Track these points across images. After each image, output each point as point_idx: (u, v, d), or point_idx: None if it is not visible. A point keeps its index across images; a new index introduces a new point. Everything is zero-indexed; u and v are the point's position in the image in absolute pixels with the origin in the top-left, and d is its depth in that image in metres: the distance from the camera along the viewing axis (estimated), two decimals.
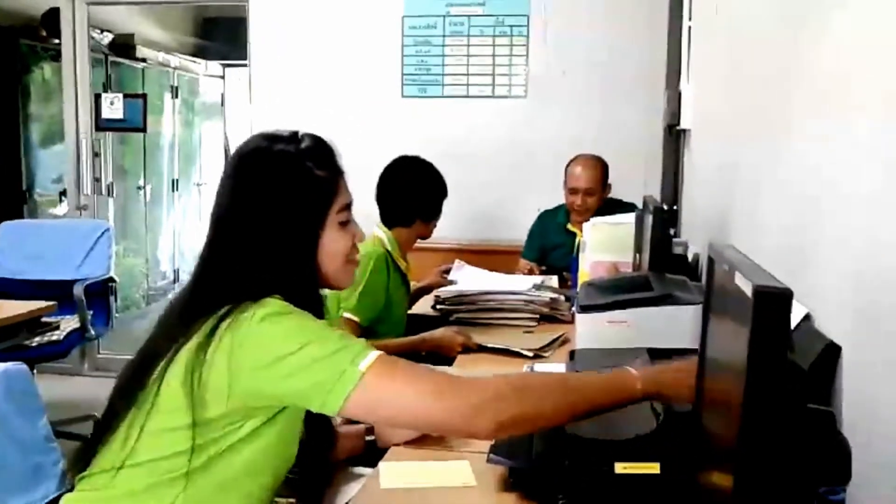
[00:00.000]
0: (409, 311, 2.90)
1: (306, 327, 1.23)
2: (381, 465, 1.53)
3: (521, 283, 2.88)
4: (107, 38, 5.87)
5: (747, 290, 0.76)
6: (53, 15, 4.99)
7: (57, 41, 4.99)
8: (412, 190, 2.74)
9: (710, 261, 1.09)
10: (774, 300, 0.72)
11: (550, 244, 3.67)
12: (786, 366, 0.74)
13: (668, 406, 1.29)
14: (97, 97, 4.90)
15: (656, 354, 1.62)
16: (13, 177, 5.27)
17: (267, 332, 1.21)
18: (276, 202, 1.30)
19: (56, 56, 5.11)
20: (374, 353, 1.20)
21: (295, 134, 1.39)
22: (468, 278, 3.03)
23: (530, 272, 3.39)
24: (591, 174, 3.51)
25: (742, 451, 0.75)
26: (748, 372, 0.73)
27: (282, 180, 1.32)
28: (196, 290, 1.33)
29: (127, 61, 6.13)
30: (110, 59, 5.91)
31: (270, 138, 1.37)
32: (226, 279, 1.29)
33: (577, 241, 3.47)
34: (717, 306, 1.05)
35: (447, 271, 3.10)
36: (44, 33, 5.38)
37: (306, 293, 1.32)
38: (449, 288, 2.88)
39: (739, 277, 0.80)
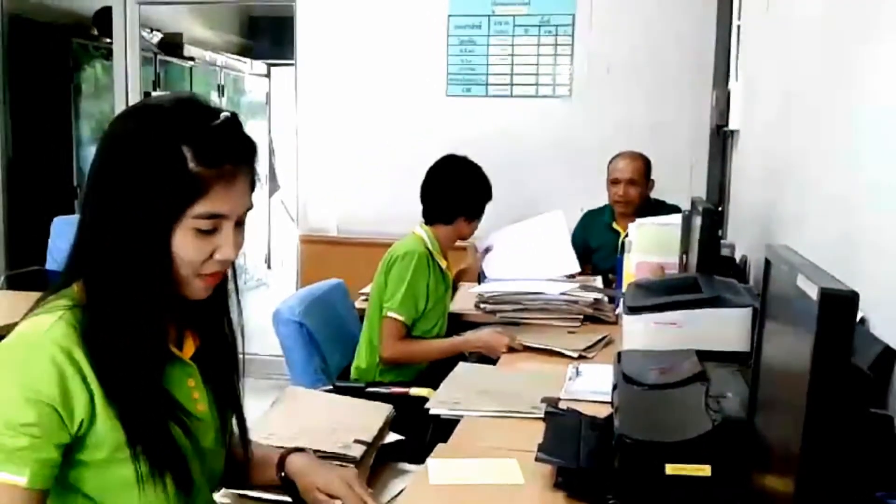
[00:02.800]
0: (451, 311, 2.91)
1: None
2: (430, 461, 1.54)
3: (564, 286, 2.88)
4: (156, 37, 5.98)
5: (812, 292, 0.75)
6: (105, 14, 5.10)
7: (108, 40, 5.09)
8: (457, 188, 2.75)
9: (767, 263, 1.08)
10: (841, 303, 0.72)
11: (594, 244, 3.66)
12: (850, 369, 0.73)
13: (721, 409, 1.28)
14: (146, 95, 4.99)
15: (705, 357, 1.61)
16: (65, 173, 5.39)
17: None
18: (128, 179, 1.08)
19: (107, 55, 5.22)
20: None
21: (191, 103, 1.13)
22: (503, 243, 3.05)
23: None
24: (633, 165, 3.55)
25: (805, 455, 0.75)
26: (812, 375, 0.73)
27: (143, 157, 1.08)
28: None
29: (175, 60, 6.23)
30: (159, 57, 6.01)
31: (161, 107, 1.13)
32: (73, 250, 1.16)
33: (620, 239, 3.47)
34: (774, 309, 1.05)
35: (487, 250, 3.10)
36: (95, 32, 5.50)
37: (148, 291, 1.11)
38: (492, 287, 2.88)
39: (803, 280, 0.80)
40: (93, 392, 1.09)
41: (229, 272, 1.24)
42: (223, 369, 1.29)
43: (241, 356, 1.33)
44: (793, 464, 0.80)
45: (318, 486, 1.34)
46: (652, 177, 3.60)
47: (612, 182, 3.58)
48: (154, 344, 1.15)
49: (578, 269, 3.20)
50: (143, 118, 1.12)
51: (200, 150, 1.08)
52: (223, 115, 1.13)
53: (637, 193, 3.54)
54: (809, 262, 0.89)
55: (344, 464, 1.66)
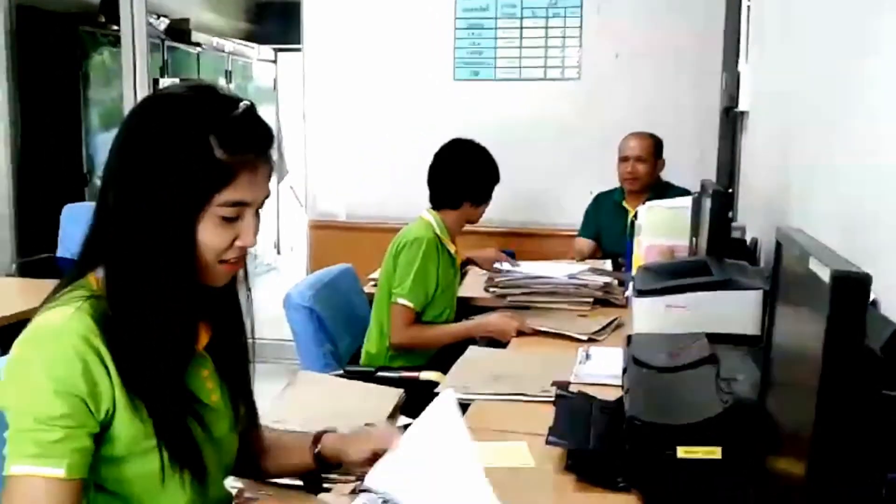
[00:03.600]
0: (460, 295, 2.91)
1: (21, 382, 1.07)
2: None
3: (574, 268, 2.87)
4: (163, 23, 5.97)
5: (824, 275, 0.75)
6: (112, 1, 5.09)
7: (115, 27, 5.09)
8: (463, 172, 2.73)
9: (778, 245, 1.08)
10: (853, 285, 0.71)
11: (604, 224, 3.66)
12: (863, 351, 0.73)
13: (732, 391, 1.28)
14: (155, 82, 4.98)
15: (715, 339, 1.61)
16: (74, 160, 5.40)
17: (7, 361, 1.09)
18: (155, 169, 1.09)
19: (115, 42, 5.21)
20: (28, 468, 1.04)
21: (211, 93, 1.15)
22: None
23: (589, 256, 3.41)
24: (642, 143, 3.56)
25: (817, 437, 0.75)
26: (825, 357, 0.73)
27: (170, 146, 1.09)
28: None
29: (182, 46, 6.22)
30: (167, 44, 6.00)
31: (183, 97, 1.14)
32: (88, 240, 1.17)
33: (628, 218, 3.47)
34: (785, 291, 1.04)
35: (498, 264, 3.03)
36: (102, 19, 5.49)
37: (173, 280, 1.12)
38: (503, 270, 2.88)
39: (815, 263, 0.79)
40: (113, 383, 1.09)
41: None
42: (235, 359, 1.30)
43: (251, 343, 1.33)
44: (805, 446, 0.80)
45: (371, 447, 1.31)
46: (664, 157, 3.59)
47: (622, 160, 3.59)
48: (181, 339, 1.16)
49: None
50: (166, 108, 1.13)
51: (226, 139, 1.09)
52: (242, 103, 1.14)
53: (645, 171, 3.53)
54: (821, 245, 0.89)
55: None
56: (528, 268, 2.89)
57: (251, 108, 1.15)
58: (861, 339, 0.73)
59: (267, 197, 1.18)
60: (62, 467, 1.04)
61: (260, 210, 1.18)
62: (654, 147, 3.57)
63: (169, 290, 1.12)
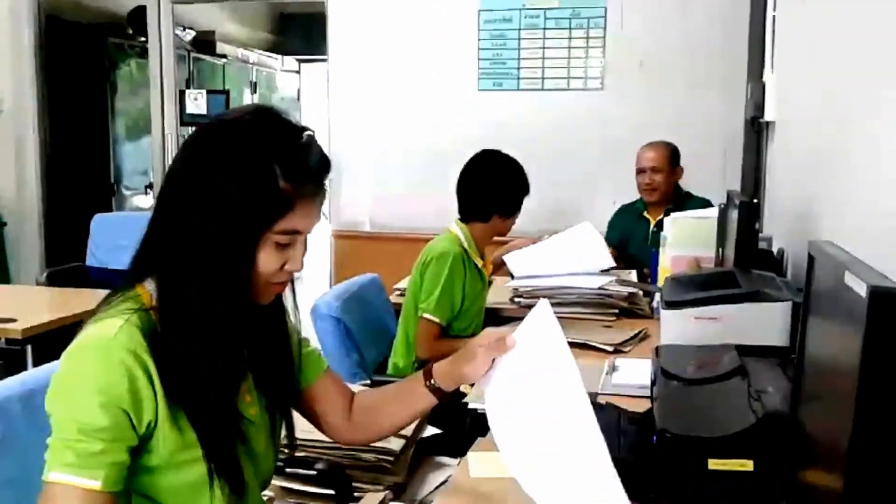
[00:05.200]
0: (486, 305, 2.91)
1: (68, 392, 1.09)
2: (470, 454, 1.55)
3: (599, 280, 2.86)
4: (189, 34, 6.06)
5: (860, 290, 0.75)
6: (139, 13, 5.18)
7: (143, 38, 5.17)
8: (493, 184, 2.69)
9: (811, 258, 1.08)
10: (891, 301, 0.72)
11: (628, 233, 3.66)
12: None
13: (763, 403, 1.28)
14: (181, 93, 5.06)
15: (744, 351, 1.61)
16: (102, 170, 5.48)
17: (56, 370, 1.12)
18: (219, 194, 1.11)
19: (142, 53, 5.30)
20: (67, 477, 1.06)
21: (276, 119, 1.17)
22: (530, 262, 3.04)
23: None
24: (656, 154, 3.53)
25: (853, 452, 0.75)
26: (861, 372, 0.73)
27: (236, 172, 1.11)
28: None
29: (208, 57, 6.30)
30: (192, 55, 6.08)
31: (249, 124, 1.16)
32: (140, 253, 1.19)
33: (651, 226, 3.46)
34: (818, 304, 1.04)
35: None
36: (130, 31, 5.58)
37: (228, 302, 1.14)
38: (527, 281, 2.88)
39: (850, 277, 0.80)
40: (157, 396, 1.11)
41: None
42: (277, 374, 1.31)
43: (296, 360, 1.35)
44: (841, 459, 0.80)
45: (485, 358, 1.30)
46: (681, 164, 3.57)
47: (639, 172, 3.58)
48: (233, 361, 1.18)
49: (613, 264, 3.18)
50: (232, 132, 1.15)
51: (289, 169, 1.12)
52: (306, 133, 1.17)
53: (662, 180, 3.51)
54: (856, 259, 0.89)
55: (383, 457, 1.68)
56: (553, 280, 2.88)
57: (313, 138, 1.18)
58: None
59: (317, 223, 1.21)
60: (99, 479, 1.06)
61: (309, 235, 1.20)
62: (671, 156, 3.54)
63: (223, 313, 1.14)
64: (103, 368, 1.08)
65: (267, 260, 1.15)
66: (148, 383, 1.10)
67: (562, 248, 3.06)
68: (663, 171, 3.51)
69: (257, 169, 1.11)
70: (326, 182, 1.20)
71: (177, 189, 1.16)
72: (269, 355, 1.30)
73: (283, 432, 1.37)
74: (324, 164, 1.18)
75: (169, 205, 1.16)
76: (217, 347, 1.14)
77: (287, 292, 1.28)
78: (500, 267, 3.11)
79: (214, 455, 1.15)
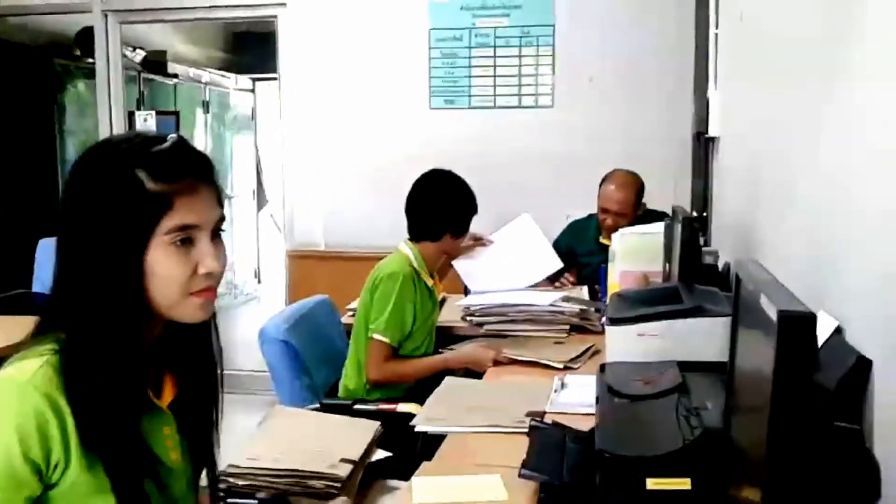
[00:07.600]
0: (438, 324, 2.90)
1: None
2: (414, 479, 1.55)
3: (550, 297, 2.88)
4: (139, 55, 5.98)
5: (772, 313, 0.77)
6: (87, 34, 5.10)
7: (91, 59, 5.09)
8: (443, 204, 2.71)
9: (737, 277, 1.10)
10: (799, 325, 0.73)
11: (581, 256, 3.64)
12: (811, 387, 0.75)
13: (701, 420, 1.29)
14: (131, 115, 4.98)
15: (687, 367, 1.62)
16: (50, 193, 5.37)
17: None
18: (92, 216, 1.10)
19: (90, 73, 5.21)
20: None
21: (137, 136, 1.18)
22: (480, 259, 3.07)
23: (562, 284, 3.40)
24: (623, 196, 3.44)
25: (770, 469, 0.76)
26: (773, 393, 0.74)
27: (101, 191, 1.11)
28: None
29: (159, 77, 6.23)
30: (143, 75, 6.01)
31: (110, 142, 1.18)
32: (51, 298, 1.16)
33: (609, 252, 3.46)
34: (744, 321, 1.06)
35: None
36: (77, 52, 5.50)
37: (126, 324, 1.12)
38: (478, 300, 2.89)
39: (764, 300, 0.81)
40: (70, 440, 1.08)
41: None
42: (200, 419, 1.28)
43: (220, 404, 1.31)
44: (761, 475, 0.81)
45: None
46: (643, 197, 3.55)
47: (602, 210, 3.50)
48: (133, 383, 1.14)
49: (561, 265, 3.21)
50: (95, 155, 1.15)
51: (154, 170, 1.10)
52: (170, 137, 1.16)
53: (626, 223, 3.43)
54: (773, 279, 0.90)
55: (331, 484, 1.67)
56: (504, 296, 2.89)
57: (180, 140, 1.16)
58: (810, 376, 0.74)
59: (221, 220, 1.18)
60: None
61: (219, 234, 1.17)
62: (636, 196, 3.48)
63: (120, 332, 1.11)
64: (12, 414, 1.05)
65: (168, 264, 1.11)
66: (59, 428, 1.07)
67: (508, 250, 3.09)
68: (628, 216, 3.43)
69: (119, 179, 1.10)
70: (216, 178, 1.18)
71: (65, 218, 1.14)
72: (194, 398, 1.26)
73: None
74: (195, 159, 1.16)
75: (63, 234, 1.15)
76: (116, 371, 1.11)
77: (213, 335, 1.25)
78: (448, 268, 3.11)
79: (125, 498, 1.11)
